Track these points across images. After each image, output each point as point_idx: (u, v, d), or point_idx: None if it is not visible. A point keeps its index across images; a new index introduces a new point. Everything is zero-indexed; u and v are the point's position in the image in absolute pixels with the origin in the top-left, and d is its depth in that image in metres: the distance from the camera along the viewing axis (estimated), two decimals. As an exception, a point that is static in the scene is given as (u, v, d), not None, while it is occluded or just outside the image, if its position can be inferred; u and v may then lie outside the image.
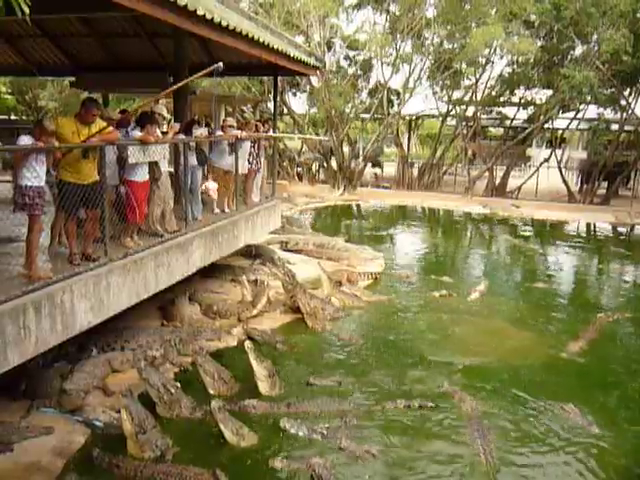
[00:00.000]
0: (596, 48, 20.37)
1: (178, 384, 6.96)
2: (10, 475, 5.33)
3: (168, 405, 6.55)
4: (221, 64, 6.47)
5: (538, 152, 29.47)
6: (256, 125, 11.50)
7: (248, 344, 7.50)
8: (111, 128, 6.67)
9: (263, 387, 7.17)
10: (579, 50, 21.65)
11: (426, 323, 9.87)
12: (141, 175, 7.38)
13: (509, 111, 26.01)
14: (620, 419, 6.89)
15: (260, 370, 7.23)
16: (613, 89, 21.59)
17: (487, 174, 25.01)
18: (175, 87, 6.85)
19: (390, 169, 28.38)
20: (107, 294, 6.34)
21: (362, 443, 6.09)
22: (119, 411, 6.30)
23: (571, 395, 7.30)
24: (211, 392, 7.06)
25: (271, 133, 12.21)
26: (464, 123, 25.43)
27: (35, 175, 5.60)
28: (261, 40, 9.17)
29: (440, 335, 9.34)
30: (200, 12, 7.11)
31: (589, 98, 21.00)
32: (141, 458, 5.69)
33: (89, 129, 6.35)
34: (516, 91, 24.32)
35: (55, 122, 6.15)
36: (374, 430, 6.46)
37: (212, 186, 9.52)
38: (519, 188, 24.20)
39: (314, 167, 27.65)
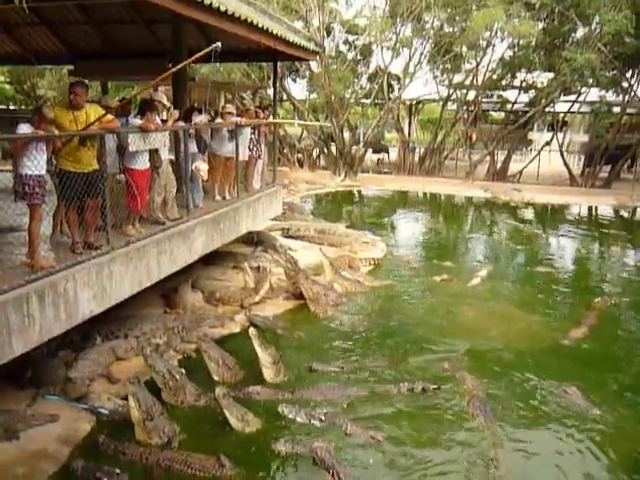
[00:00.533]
0: (598, 30, 20.20)
1: (183, 370, 6.98)
2: (17, 462, 5.37)
3: (173, 391, 6.57)
4: (219, 44, 6.41)
5: (539, 136, 29.33)
6: (256, 112, 11.45)
7: (252, 331, 7.51)
8: (110, 116, 6.64)
9: (268, 374, 7.18)
10: (581, 32, 21.46)
11: (428, 308, 9.89)
12: (142, 163, 7.37)
13: (510, 95, 25.84)
14: (620, 402, 6.90)
15: (265, 357, 7.24)
16: (615, 71, 21.42)
17: (488, 158, 24.93)
18: (174, 70, 6.78)
19: (391, 154, 28.32)
20: (110, 282, 6.36)
21: (367, 428, 6.12)
22: (124, 398, 6.36)
23: (572, 378, 7.32)
24: (215, 378, 7.08)
25: (271, 119, 12.16)
26: (465, 107, 25.30)
27: (35, 164, 5.59)
28: (260, 25, 9.10)
29: (442, 320, 9.35)
30: (198, -3, 7.07)
31: (591, 81, 20.81)
32: (148, 444, 5.73)
33: (86, 114, 6.31)
34: (517, 74, 24.13)
35: (52, 112, 6.13)
36: (378, 415, 6.48)
37: (203, 167, 9.37)
38: (520, 172, 24.13)
39: (314, 153, 27.58)
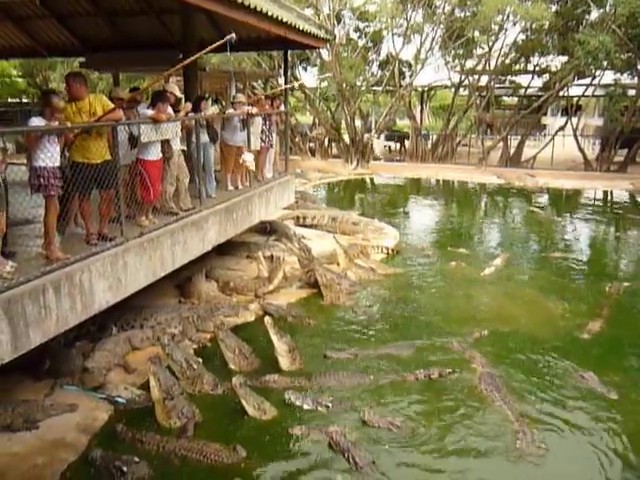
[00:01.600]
0: (612, 11, 19.88)
1: (200, 360, 7.02)
2: (37, 452, 5.45)
3: (191, 381, 6.64)
4: (234, 35, 6.37)
5: (553, 120, 29.03)
6: (272, 101, 11.40)
7: (268, 320, 7.53)
8: (112, 106, 6.59)
9: (284, 362, 7.21)
10: (594, 14, 21.15)
11: (442, 295, 9.87)
12: (154, 154, 7.37)
13: (523, 79, 25.55)
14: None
15: (281, 345, 7.27)
16: (630, 53, 21.07)
17: (501, 144, 24.72)
18: (187, 62, 6.75)
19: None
20: (124, 273, 6.39)
21: (383, 414, 6.14)
22: (140, 387, 6.43)
23: (589, 364, 7.29)
24: (232, 367, 7.12)
25: (282, 109, 12.13)
26: (477, 93, 25.04)
27: (49, 156, 5.62)
28: (270, 13, 9.05)
29: (456, 307, 9.34)
30: (207, -14, 7.03)
31: (605, 63, 20.53)
32: (166, 432, 5.79)
33: (89, 104, 6.31)
34: (530, 58, 23.86)
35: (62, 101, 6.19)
36: (396, 401, 6.51)
37: (249, 157, 9.37)
38: (534, 157, 23.87)
39: (326, 142, 27.49)
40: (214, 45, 6.34)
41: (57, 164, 5.76)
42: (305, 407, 6.25)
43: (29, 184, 5.71)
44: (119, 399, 6.37)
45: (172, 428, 5.91)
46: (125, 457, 5.28)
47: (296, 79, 25.41)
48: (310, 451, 5.65)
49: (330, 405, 6.28)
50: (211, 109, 9.54)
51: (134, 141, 7.23)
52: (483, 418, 6.17)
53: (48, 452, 5.47)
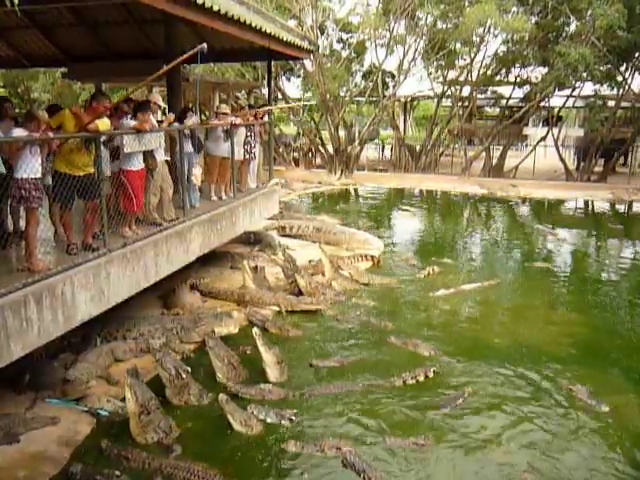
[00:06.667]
0: (591, 24, 20.22)
1: (189, 369, 6.92)
2: (17, 465, 5.36)
3: (177, 390, 6.56)
4: (205, 45, 6.39)
5: (535, 131, 29.37)
6: (256, 113, 11.41)
7: (256, 331, 7.46)
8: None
9: (272, 374, 7.16)
10: (574, 26, 21.48)
11: (425, 304, 9.87)
12: (137, 164, 7.35)
13: (505, 90, 25.86)
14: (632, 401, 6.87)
15: (269, 357, 7.22)
16: (609, 65, 21.43)
17: (484, 154, 24.94)
18: (160, 72, 6.66)
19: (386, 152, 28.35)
20: (107, 284, 6.35)
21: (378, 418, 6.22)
22: (122, 400, 6.35)
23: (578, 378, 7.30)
24: (220, 376, 7.05)
25: (266, 119, 12.15)
26: (460, 104, 25.29)
27: (31, 167, 5.59)
28: (253, 24, 9.09)
29: (436, 316, 9.39)
30: (190, -3, 7.05)
31: (585, 75, 20.86)
32: (143, 440, 5.73)
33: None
34: (511, 70, 24.17)
35: (63, 113, 6.31)
36: (388, 407, 6.55)
37: (196, 171, 9.27)
38: (516, 168, 24.12)
39: (310, 152, 27.57)
40: (185, 55, 6.36)
41: (39, 175, 5.72)
42: (269, 420, 6.17)
43: (10, 195, 5.67)
44: (101, 411, 6.30)
45: (151, 444, 5.78)
46: (106, 471, 5.21)
47: (279, 90, 25.58)
48: (301, 468, 5.56)
49: (294, 418, 6.22)
50: (193, 119, 9.53)
51: (115, 153, 7.21)
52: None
53: (29, 466, 5.38)
